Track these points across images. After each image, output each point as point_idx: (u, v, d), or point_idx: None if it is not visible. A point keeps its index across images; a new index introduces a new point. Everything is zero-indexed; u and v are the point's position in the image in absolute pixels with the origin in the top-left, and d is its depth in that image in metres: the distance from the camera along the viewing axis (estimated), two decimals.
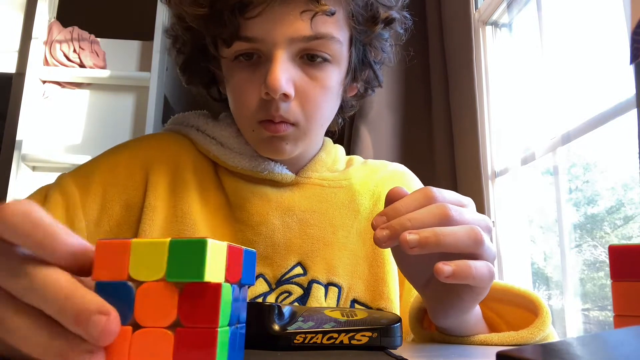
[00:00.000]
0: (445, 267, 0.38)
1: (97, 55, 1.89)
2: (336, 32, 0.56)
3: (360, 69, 0.63)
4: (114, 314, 0.23)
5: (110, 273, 0.25)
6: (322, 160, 0.67)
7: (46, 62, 1.86)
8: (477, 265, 0.39)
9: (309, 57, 0.56)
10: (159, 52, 1.87)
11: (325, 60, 0.56)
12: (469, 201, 0.44)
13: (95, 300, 0.23)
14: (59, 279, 0.24)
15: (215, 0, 0.53)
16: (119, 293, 0.25)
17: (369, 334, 0.40)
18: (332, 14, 0.54)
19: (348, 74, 0.61)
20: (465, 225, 0.40)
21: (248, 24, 0.53)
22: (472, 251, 0.40)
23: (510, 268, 1.25)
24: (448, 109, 1.44)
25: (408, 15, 0.64)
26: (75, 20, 1.91)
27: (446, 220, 0.39)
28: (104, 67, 1.90)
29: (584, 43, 1.15)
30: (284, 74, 0.53)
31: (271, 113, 0.55)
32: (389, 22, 0.61)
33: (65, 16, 1.95)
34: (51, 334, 0.24)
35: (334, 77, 0.58)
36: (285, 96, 0.54)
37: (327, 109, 0.60)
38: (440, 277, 0.38)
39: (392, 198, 0.42)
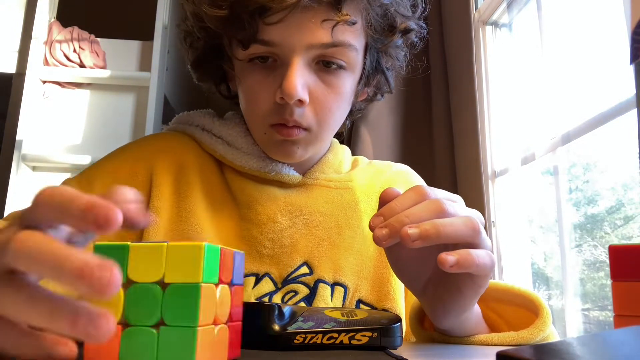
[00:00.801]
0: (449, 257, 0.38)
1: (97, 55, 1.89)
2: (354, 40, 0.56)
3: (373, 75, 0.64)
4: (116, 269, 0.23)
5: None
6: (329, 161, 0.68)
7: (46, 62, 1.86)
8: (478, 254, 0.40)
9: (325, 64, 0.56)
10: (159, 52, 1.87)
11: (340, 67, 0.56)
12: (458, 198, 0.45)
13: (95, 257, 0.23)
14: (52, 242, 0.25)
15: (235, 2, 0.52)
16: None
17: (369, 334, 0.40)
18: (353, 23, 0.54)
19: (361, 80, 0.62)
20: (461, 216, 0.41)
21: (267, 28, 0.53)
22: (471, 240, 0.41)
23: (510, 268, 1.25)
24: (448, 109, 1.44)
25: (424, 25, 0.64)
26: (75, 20, 1.91)
27: (442, 214, 0.40)
28: (104, 67, 1.89)
29: (583, 43, 1.15)
30: (300, 79, 0.53)
31: (285, 117, 0.55)
32: (406, 32, 0.61)
33: (65, 16, 1.94)
34: (52, 305, 0.24)
35: (348, 83, 0.58)
36: (300, 102, 0.54)
37: (340, 114, 0.60)
38: (445, 267, 0.38)
39: (385, 199, 0.43)
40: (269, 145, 0.60)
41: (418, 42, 0.65)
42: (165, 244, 0.26)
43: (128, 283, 0.26)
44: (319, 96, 0.56)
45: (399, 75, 0.70)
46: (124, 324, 0.26)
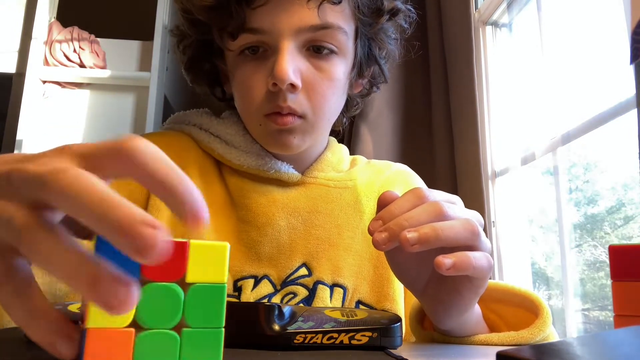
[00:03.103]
0: (446, 260, 0.38)
1: (97, 55, 1.89)
2: (342, 22, 0.56)
3: (366, 63, 0.64)
4: (163, 227, 0.21)
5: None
6: (327, 159, 0.67)
7: (46, 62, 1.86)
8: (476, 256, 0.40)
9: (315, 49, 0.56)
10: (159, 52, 1.87)
11: (331, 52, 0.57)
12: (457, 199, 0.45)
13: (141, 211, 0.21)
14: (100, 187, 0.22)
15: None
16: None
17: (369, 334, 0.40)
18: (339, 2, 0.54)
19: (354, 67, 0.61)
20: (460, 218, 0.41)
21: (254, 15, 0.53)
22: (470, 243, 0.40)
23: (510, 268, 1.25)
24: (448, 109, 1.44)
25: (412, 9, 0.64)
26: (75, 20, 1.91)
27: (441, 216, 0.40)
28: (104, 67, 1.89)
29: (583, 43, 1.15)
30: (291, 64, 0.53)
31: (278, 104, 0.55)
32: (394, 13, 0.61)
33: (65, 16, 1.94)
34: (81, 256, 0.21)
35: (340, 69, 0.58)
36: (293, 87, 0.54)
37: (334, 101, 0.60)
38: (442, 270, 0.38)
39: (384, 202, 0.43)
40: (265, 136, 0.59)
41: (408, 27, 0.66)
42: (187, 241, 0.25)
43: (142, 282, 0.24)
44: (312, 82, 0.56)
45: (396, 66, 0.70)
46: (137, 326, 0.24)
